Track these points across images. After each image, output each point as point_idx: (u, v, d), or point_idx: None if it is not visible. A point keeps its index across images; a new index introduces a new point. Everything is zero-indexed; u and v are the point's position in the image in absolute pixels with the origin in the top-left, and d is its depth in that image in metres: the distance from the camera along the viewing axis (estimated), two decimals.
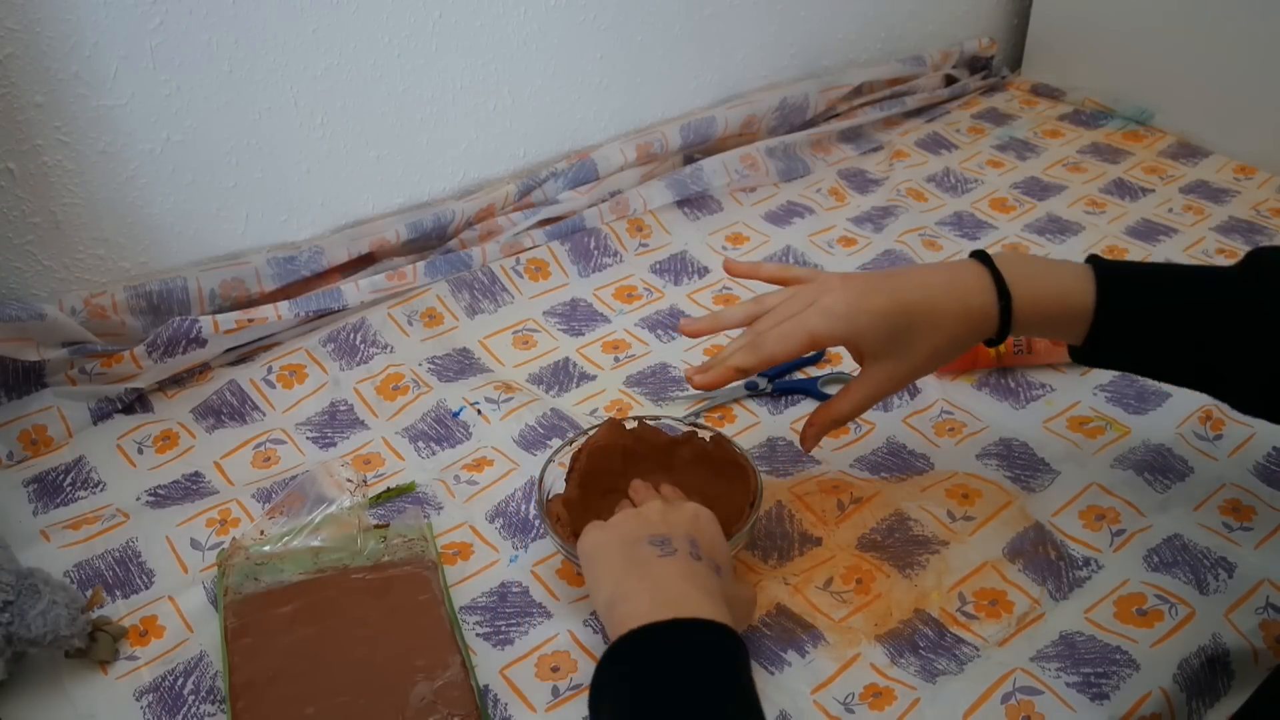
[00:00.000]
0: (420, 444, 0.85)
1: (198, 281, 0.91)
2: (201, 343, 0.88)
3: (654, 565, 0.60)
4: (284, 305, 0.92)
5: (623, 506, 0.70)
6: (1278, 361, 0.64)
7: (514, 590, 0.73)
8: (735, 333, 0.72)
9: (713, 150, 1.17)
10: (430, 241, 1.04)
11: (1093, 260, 0.69)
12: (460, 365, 0.93)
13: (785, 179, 1.19)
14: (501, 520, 0.78)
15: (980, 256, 0.69)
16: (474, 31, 1.00)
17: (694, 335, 0.73)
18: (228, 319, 0.89)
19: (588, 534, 0.65)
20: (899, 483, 0.80)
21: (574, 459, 0.74)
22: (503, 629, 0.70)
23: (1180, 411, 0.86)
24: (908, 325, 0.67)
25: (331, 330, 0.93)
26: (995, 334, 0.68)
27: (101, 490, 0.81)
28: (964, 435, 0.85)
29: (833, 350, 0.94)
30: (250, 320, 0.90)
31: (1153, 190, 1.16)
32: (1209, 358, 0.66)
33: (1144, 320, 0.67)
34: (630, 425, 0.76)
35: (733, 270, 0.76)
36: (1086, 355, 0.70)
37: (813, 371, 0.92)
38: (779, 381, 0.90)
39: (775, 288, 0.73)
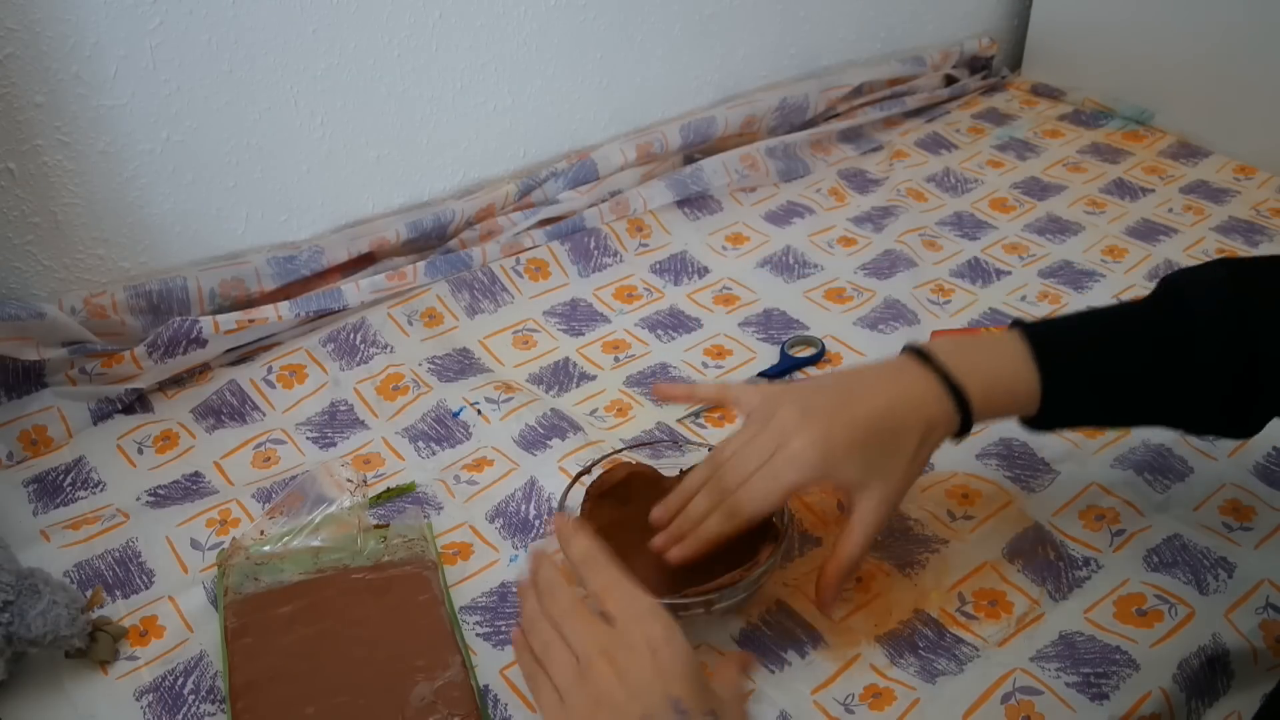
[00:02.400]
0: (420, 444, 0.85)
1: (197, 281, 0.91)
2: (202, 343, 0.88)
3: None
4: (284, 305, 0.92)
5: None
6: (1221, 383, 0.64)
7: (514, 590, 0.73)
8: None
9: (713, 150, 1.17)
10: (430, 241, 1.04)
11: (1019, 328, 0.67)
12: (460, 365, 0.93)
13: (785, 179, 1.19)
14: (501, 520, 0.78)
15: (915, 353, 0.67)
16: (474, 31, 1.00)
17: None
18: (228, 319, 0.88)
19: None
20: None
21: (588, 493, 0.73)
22: (503, 629, 0.70)
23: None
24: (879, 449, 0.64)
25: (331, 330, 0.93)
26: (954, 435, 0.66)
27: (101, 490, 0.81)
28: None
29: (833, 350, 0.94)
30: (250, 320, 0.90)
31: (1153, 190, 1.16)
32: (1161, 401, 0.67)
33: (1092, 387, 0.66)
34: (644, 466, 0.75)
35: (664, 394, 0.76)
36: (1040, 426, 0.68)
37: (812, 371, 0.92)
38: (778, 383, 0.90)
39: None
